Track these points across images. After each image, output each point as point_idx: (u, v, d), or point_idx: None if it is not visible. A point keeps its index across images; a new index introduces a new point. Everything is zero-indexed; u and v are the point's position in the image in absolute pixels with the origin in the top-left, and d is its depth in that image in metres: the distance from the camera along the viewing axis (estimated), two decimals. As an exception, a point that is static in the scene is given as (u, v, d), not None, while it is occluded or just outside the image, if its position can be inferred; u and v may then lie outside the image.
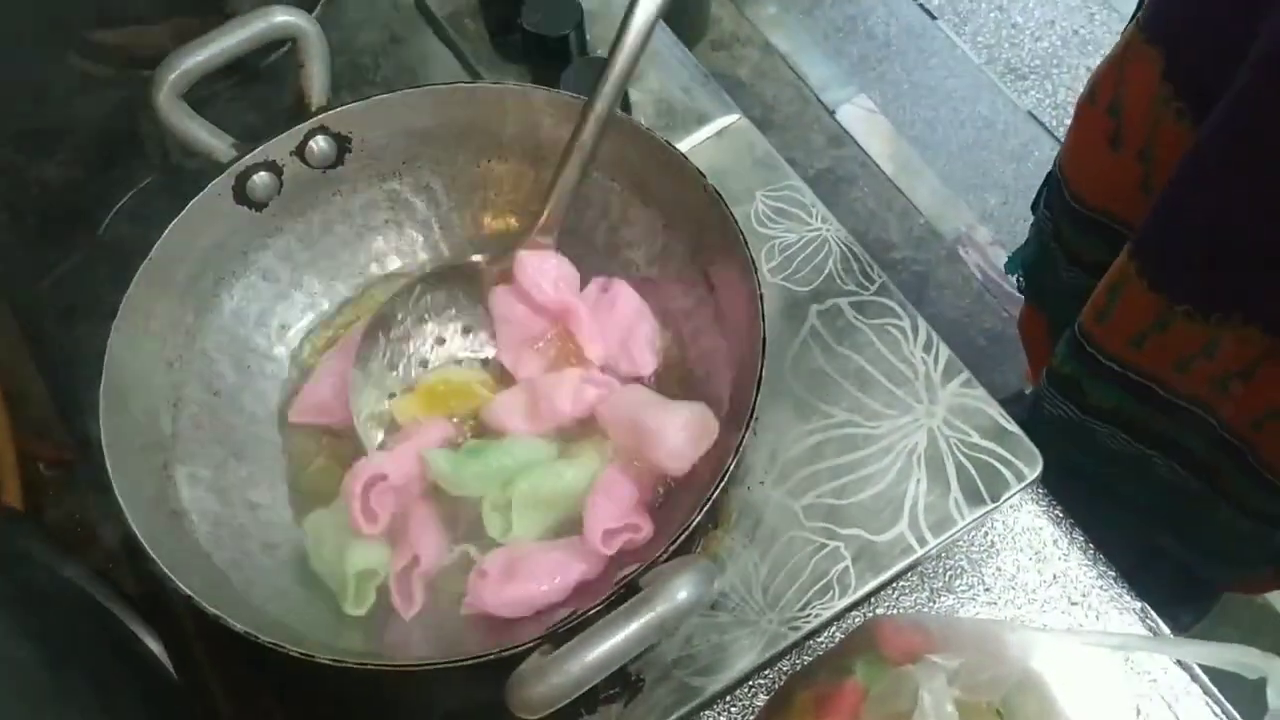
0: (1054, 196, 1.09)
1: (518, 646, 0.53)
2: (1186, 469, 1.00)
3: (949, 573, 0.75)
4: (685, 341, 0.69)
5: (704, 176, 0.65)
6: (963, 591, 0.75)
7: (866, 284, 0.79)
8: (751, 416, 0.57)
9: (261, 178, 0.68)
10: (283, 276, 0.71)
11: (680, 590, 0.48)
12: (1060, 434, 1.05)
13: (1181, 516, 1.07)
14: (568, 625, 0.53)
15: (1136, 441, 1.00)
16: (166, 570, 0.55)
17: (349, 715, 0.67)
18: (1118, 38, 0.94)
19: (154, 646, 0.76)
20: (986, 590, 0.74)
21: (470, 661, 0.53)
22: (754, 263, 0.61)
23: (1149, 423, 0.97)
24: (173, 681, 0.75)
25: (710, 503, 0.55)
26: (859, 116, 2.03)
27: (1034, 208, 1.21)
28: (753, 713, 0.71)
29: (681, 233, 0.69)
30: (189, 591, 0.55)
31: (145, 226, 0.83)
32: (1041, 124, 1.98)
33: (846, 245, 0.81)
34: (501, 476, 0.65)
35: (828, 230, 0.81)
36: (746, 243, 0.62)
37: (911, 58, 2.09)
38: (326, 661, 0.53)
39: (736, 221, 0.62)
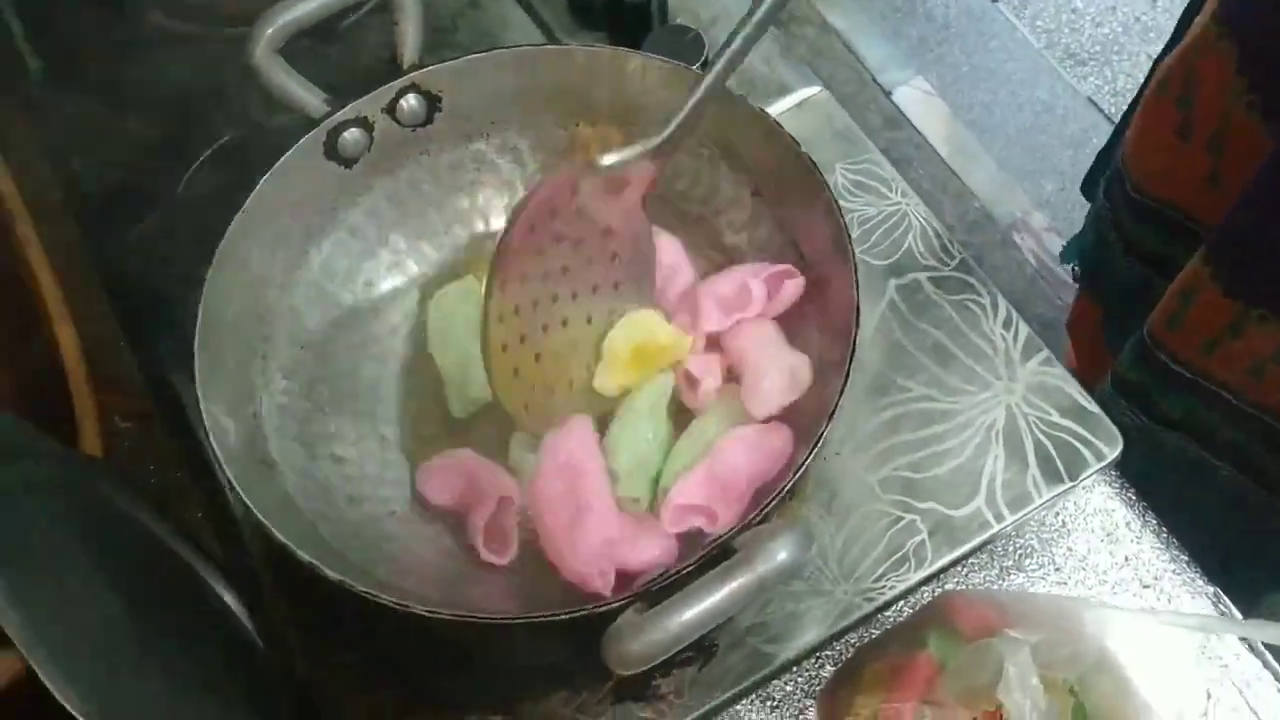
0: (1114, 187, 1.08)
1: (610, 603, 0.53)
2: (1255, 479, 0.99)
3: (1019, 551, 0.75)
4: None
5: (798, 145, 0.64)
6: (1033, 570, 0.74)
7: (946, 259, 0.79)
8: (846, 384, 0.57)
9: (352, 134, 0.68)
10: (370, 234, 0.71)
11: (780, 552, 0.48)
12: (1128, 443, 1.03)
13: (1247, 526, 1.05)
14: (660, 584, 0.53)
15: (1204, 449, 0.98)
16: (261, 516, 0.56)
17: (425, 669, 0.68)
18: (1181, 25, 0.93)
19: (230, 599, 0.77)
20: (1057, 570, 0.74)
21: (564, 616, 0.53)
22: (849, 234, 0.61)
23: (1217, 432, 0.96)
24: (249, 634, 0.76)
25: (803, 469, 0.55)
26: (916, 99, 2.01)
27: (1084, 190, 1.20)
28: (819, 682, 0.71)
29: (771, 202, 0.68)
30: (283, 538, 0.55)
31: (225, 183, 0.85)
32: (1100, 110, 1.96)
33: (926, 220, 0.80)
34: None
35: (908, 205, 0.81)
36: (841, 211, 0.62)
37: (971, 40, 2.07)
38: (421, 612, 0.53)
39: (831, 191, 0.62)
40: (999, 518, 0.70)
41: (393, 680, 0.68)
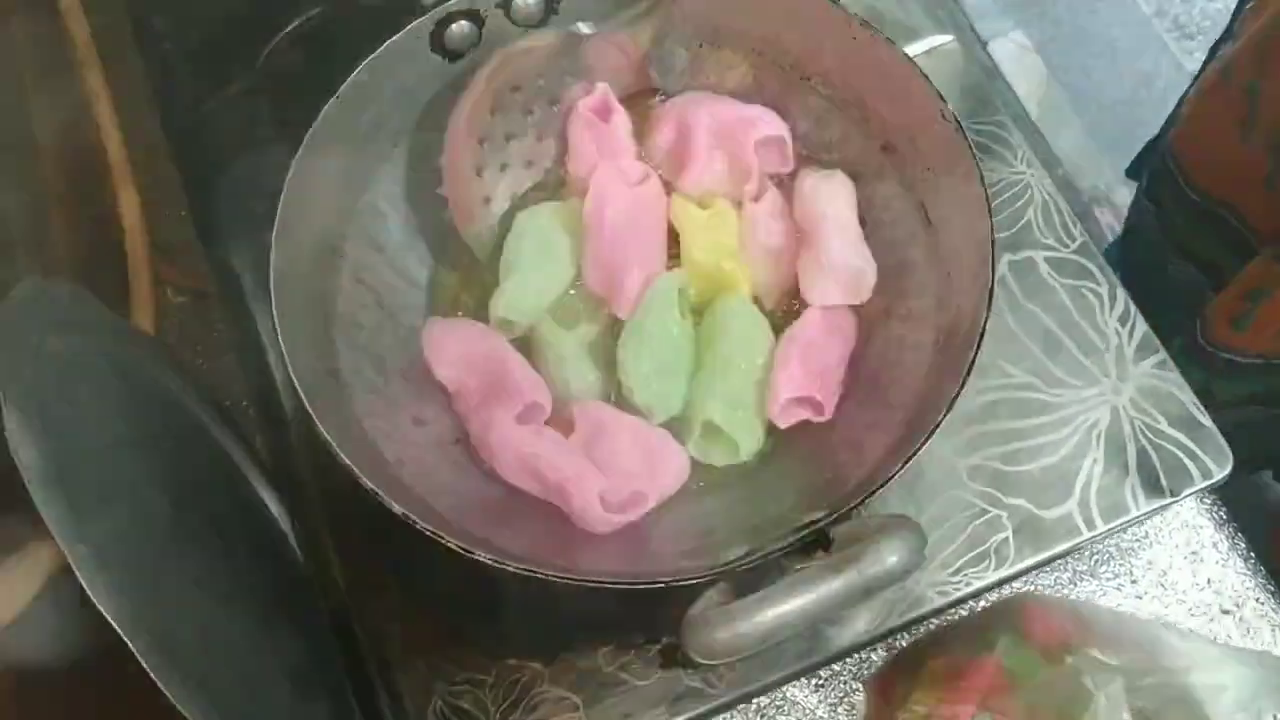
0: (1161, 185, 1.02)
1: (690, 578, 0.50)
2: None
3: (1095, 557, 0.71)
4: (889, 271, 0.64)
5: (944, 101, 0.59)
6: (1107, 579, 0.71)
7: (1067, 240, 0.73)
8: (968, 372, 0.53)
9: (461, 26, 0.63)
10: (463, 136, 0.67)
11: (890, 555, 0.44)
12: None
13: None
14: (745, 563, 0.49)
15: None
16: (326, 433, 0.52)
17: (466, 605, 0.64)
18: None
19: (271, 502, 0.74)
20: (1133, 583, 0.71)
21: (643, 585, 0.49)
22: (990, 204, 0.56)
23: None
24: (288, 542, 0.73)
25: (917, 452, 0.51)
26: (1012, 53, 1.92)
27: (1129, 173, 1.14)
28: (869, 665, 0.68)
29: (901, 161, 0.63)
30: (348, 461, 0.51)
31: (309, 59, 0.80)
32: (1204, 90, 1.87)
33: (1050, 195, 0.75)
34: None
35: (1031, 175, 0.76)
36: (984, 181, 0.57)
37: (1078, -1, 1.98)
38: (487, 560, 0.49)
39: (977, 157, 0.57)
40: (1090, 524, 0.66)
41: (432, 612, 0.65)
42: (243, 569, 0.66)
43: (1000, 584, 0.66)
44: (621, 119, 0.66)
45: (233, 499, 0.70)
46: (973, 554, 0.66)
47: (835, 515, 0.49)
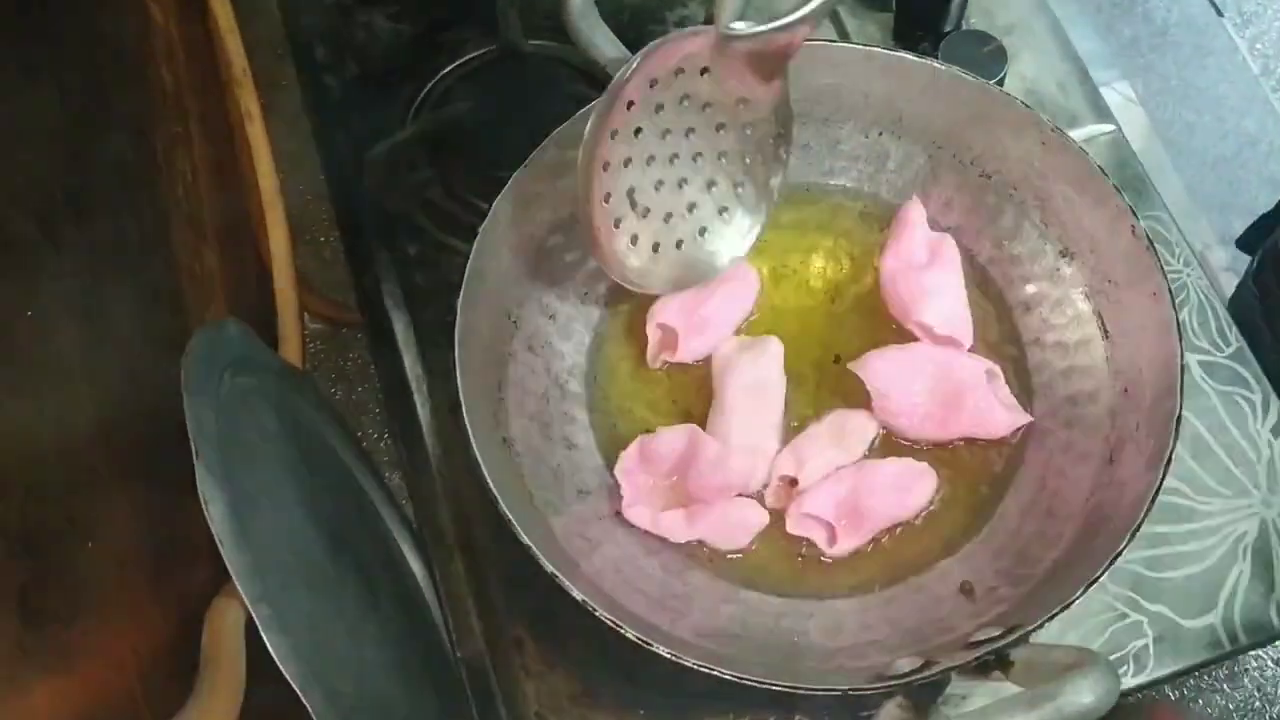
0: (1272, 270, 0.99)
1: (865, 689, 0.50)
2: None
3: (1225, 671, 0.71)
4: (1058, 374, 0.64)
5: (1135, 216, 0.59)
6: (1237, 696, 0.70)
7: (1222, 345, 0.73)
8: (1153, 501, 0.53)
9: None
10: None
11: (1088, 694, 0.44)
12: None
13: None
14: (923, 678, 0.50)
15: None
16: (508, 511, 0.53)
17: (599, 665, 0.65)
18: None
19: (406, 547, 0.75)
20: (1270, 704, 0.70)
21: (820, 692, 0.50)
22: (1179, 327, 0.56)
23: None
24: (419, 587, 0.74)
25: (1098, 579, 0.51)
26: (1116, 103, 1.89)
27: (1240, 244, 1.11)
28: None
29: (1082, 265, 0.63)
30: (528, 541, 0.52)
31: (469, 102, 0.80)
32: (1309, 155, 1.84)
33: (1206, 297, 0.74)
34: None
35: (1189, 276, 0.75)
36: (1175, 303, 0.56)
37: (1186, 52, 1.95)
38: (665, 654, 0.50)
39: (1167, 278, 0.57)
40: (1233, 639, 0.66)
41: (567, 672, 0.66)
42: (386, 617, 0.66)
43: (1136, 690, 0.66)
44: None
45: (374, 544, 0.71)
46: (1112, 658, 0.65)
47: (1010, 638, 0.49)
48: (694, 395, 0.66)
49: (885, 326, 0.67)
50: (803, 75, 0.65)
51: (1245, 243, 1.16)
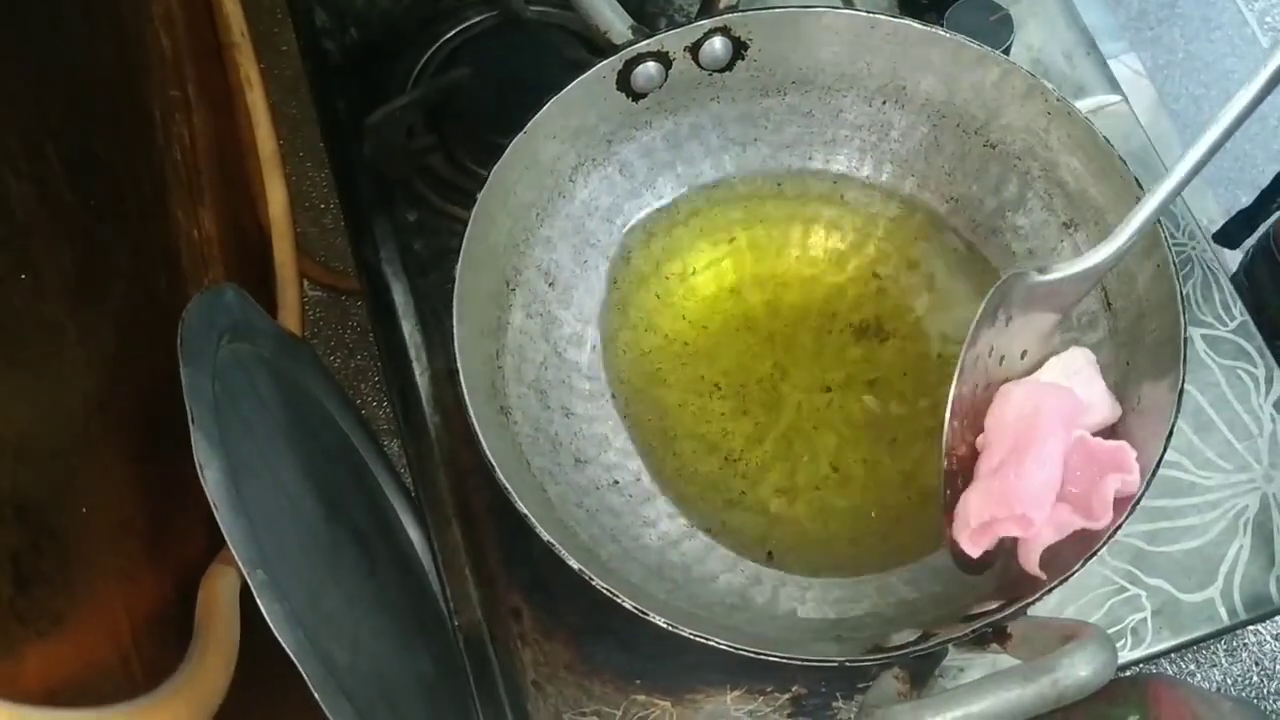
0: (1263, 263, 0.98)
1: (863, 660, 0.50)
2: None
3: (1225, 646, 0.70)
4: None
5: (1141, 188, 0.58)
6: (1236, 670, 0.70)
7: (1226, 319, 0.72)
8: (1152, 477, 0.52)
9: (648, 68, 0.62)
10: (639, 174, 0.66)
11: (1085, 667, 0.44)
12: None
13: None
14: (916, 651, 0.50)
15: None
16: (501, 476, 0.52)
17: (598, 634, 0.65)
18: None
19: (403, 514, 0.75)
20: (1268, 678, 0.70)
21: (816, 663, 0.50)
22: (1184, 299, 0.55)
23: None
24: (415, 553, 0.74)
25: (1098, 551, 0.51)
26: (1123, 76, 1.88)
27: (1218, 239, 1.10)
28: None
29: (1086, 237, 0.62)
30: (525, 510, 0.51)
31: (469, 69, 0.79)
32: (1317, 130, 1.83)
33: (1212, 270, 0.74)
34: None
35: (1194, 249, 0.74)
36: (1179, 276, 0.56)
37: (1194, 25, 1.94)
38: (662, 625, 0.50)
39: (1172, 251, 0.56)
40: (1232, 614, 0.65)
41: (565, 639, 0.66)
42: (383, 585, 0.66)
43: (1135, 664, 0.66)
44: None
45: (372, 511, 0.71)
46: (1110, 631, 0.65)
47: (1008, 611, 0.49)
48: (694, 367, 0.65)
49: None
50: (806, 43, 0.64)
51: (1224, 235, 1.15)
